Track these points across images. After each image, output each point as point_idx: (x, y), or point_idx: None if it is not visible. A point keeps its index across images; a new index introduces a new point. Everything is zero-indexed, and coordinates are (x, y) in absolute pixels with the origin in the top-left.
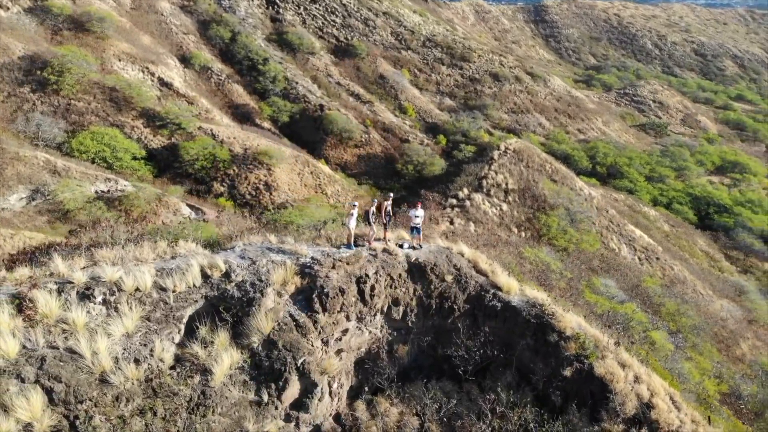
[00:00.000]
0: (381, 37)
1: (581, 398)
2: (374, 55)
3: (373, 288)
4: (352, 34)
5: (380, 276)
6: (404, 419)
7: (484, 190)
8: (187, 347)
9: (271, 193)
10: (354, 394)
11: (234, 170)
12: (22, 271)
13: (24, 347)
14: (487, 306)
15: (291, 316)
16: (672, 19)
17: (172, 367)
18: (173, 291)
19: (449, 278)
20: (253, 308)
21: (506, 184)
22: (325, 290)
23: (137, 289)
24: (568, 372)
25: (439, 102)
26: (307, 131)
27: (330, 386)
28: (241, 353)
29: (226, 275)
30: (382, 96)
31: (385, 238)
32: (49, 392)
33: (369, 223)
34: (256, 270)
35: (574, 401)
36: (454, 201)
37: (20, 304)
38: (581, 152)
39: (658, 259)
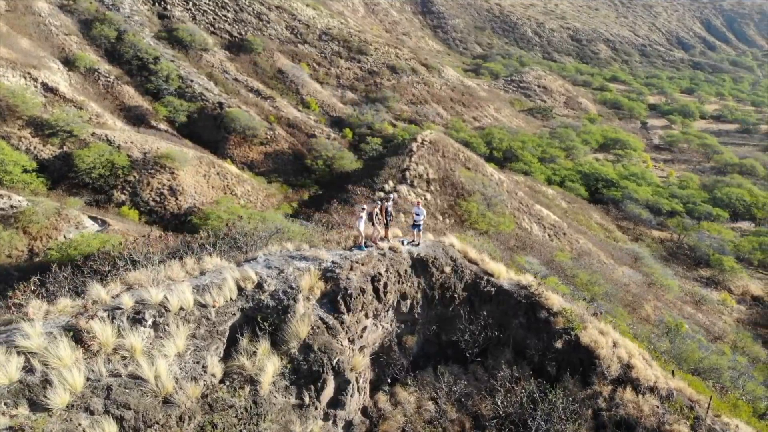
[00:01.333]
0: (276, 31)
1: (572, 366)
2: (271, 50)
3: (385, 285)
4: (245, 29)
5: (390, 273)
6: (423, 405)
7: (408, 181)
8: (233, 359)
9: (176, 198)
10: (372, 387)
11: (135, 176)
12: (65, 302)
13: (88, 379)
14: (483, 292)
15: (321, 319)
16: (548, 6)
17: (222, 381)
18: (213, 306)
19: (448, 269)
20: (289, 315)
21: (427, 174)
22: (349, 291)
23: (181, 308)
24: (558, 344)
25: (341, 95)
26: (208, 131)
27: (357, 382)
28: (281, 359)
29: (259, 286)
30: (283, 91)
31: (386, 236)
32: (119, 420)
33: (373, 224)
34: (285, 278)
35: (567, 370)
36: (382, 194)
37: (76, 335)
38: (479, 139)
39: (564, 234)
